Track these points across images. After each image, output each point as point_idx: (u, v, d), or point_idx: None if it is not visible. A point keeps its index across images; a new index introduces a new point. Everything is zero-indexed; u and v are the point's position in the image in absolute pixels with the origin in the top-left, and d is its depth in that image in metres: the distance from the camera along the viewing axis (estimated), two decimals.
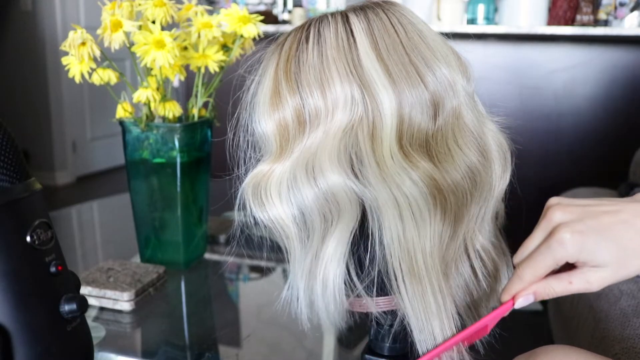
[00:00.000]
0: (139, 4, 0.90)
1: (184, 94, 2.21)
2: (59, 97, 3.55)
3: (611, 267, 0.45)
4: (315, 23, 0.53)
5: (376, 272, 0.52)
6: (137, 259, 1.04)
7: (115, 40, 0.88)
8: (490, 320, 0.51)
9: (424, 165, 0.49)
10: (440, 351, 0.50)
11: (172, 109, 0.95)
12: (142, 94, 0.92)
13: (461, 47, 0.55)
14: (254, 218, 0.54)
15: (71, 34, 0.88)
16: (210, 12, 0.98)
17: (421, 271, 0.49)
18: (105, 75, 0.95)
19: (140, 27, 0.90)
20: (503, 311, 0.50)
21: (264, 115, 0.53)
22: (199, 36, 0.94)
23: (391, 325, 0.56)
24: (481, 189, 0.52)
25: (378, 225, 0.50)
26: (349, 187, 0.49)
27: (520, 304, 0.49)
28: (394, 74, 0.49)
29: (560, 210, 0.47)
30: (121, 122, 0.97)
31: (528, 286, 0.48)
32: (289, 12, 2.89)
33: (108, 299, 0.85)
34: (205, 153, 1.02)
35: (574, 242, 0.45)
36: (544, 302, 1.94)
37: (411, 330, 0.51)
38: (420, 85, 0.49)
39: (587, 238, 0.45)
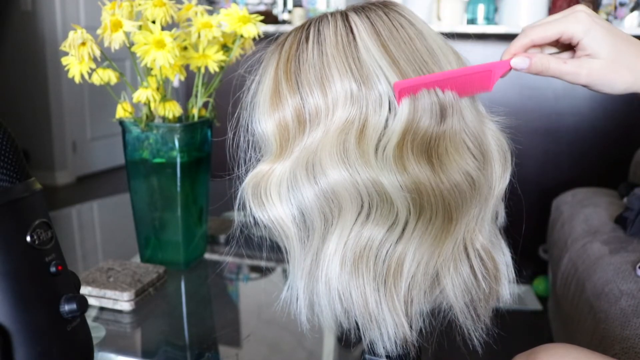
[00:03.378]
0: (139, 4, 0.90)
1: (184, 94, 2.21)
2: (59, 97, 3.55)
3: (605, 61, 0.52)
4: (315, 22, 0.53)
5: None
6: (137, 259, 1.04)
7: (115, 40, 0.88)
8: (490, 68, 0.51)
9: (414, 170, 0.49)
10: (430, 80, 0.48)
11: (172, 109, 0.95)
12: (142, 94, 0.92)
13: (461, 47, 0.55)
14: (254, 218, 0.54)
15: (71, 34, 0.88)
16: (210, 12, 0.98)
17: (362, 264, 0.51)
18: (105, 75, 0.95)
19: (140, 27, 0.90)
20: (502, 65, 0.52)
21: (264, 115, 0.53)
22: (199, 36, 0.94)
23: None
24: (481, 189, 0.52)
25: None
26: (350, 182, 0.49)
27: (516, 63, 0.53)
28: (402, 72, 0.49)
29: (587, 8, 0.53)
30: (121, 122, 0.97)
31: (530, 45, 0.53)
32: (289, 12, 2.89)
33: (108, 299, 0.85)
34: (205, 153, 1.02)
35: (587, 22, 0.51)
36: (544, 302, 1.94)
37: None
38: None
39: (598, 27, 0.52)
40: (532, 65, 0.53)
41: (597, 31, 0.51)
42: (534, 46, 0.55)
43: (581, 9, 0.53)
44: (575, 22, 0.52)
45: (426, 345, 0.57)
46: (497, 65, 0.52)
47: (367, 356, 0.60)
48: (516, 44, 0.54)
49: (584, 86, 0.54)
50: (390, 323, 0.51)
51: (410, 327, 0.53)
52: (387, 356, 0.58)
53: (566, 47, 0.56)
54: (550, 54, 0.56)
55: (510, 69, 0.53)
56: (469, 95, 0.52)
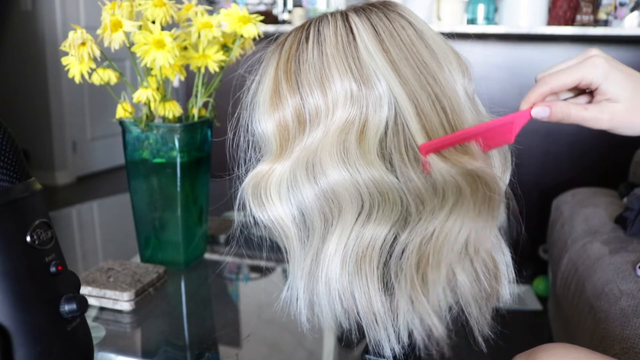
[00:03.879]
0: (139, 4, 0.90)
1: (184, 94, 2.21)
2: (59, 97, 3.55)
3: (624, 104, 0.51)
4: (315, 23, 0.53)
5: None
6: (137, 259, 1.04)
7: (115, 40, 0.88)
8: (512, 120, 0.51)
9: (419, 176, 0.49)
10: (454, 139, 0.48)
11: (172, 109, 0.95)
12: (142, 94, 0.92)
13: (461, 47, 0.55)
14: (254, 218, 0.54)
15: (71, 34, 0.88)
16: (210, 12, 0.98)
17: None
18: (105, 75, 0.95)
19: (140, 27, 0.90)
20: (523, 116, 0.52)
21: (264, 115, 0.53)
22: (199, 36, 0.94)
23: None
24: None
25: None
26: (350, 182, 0.49)
27: (537, 113, 0.52)
28: (402, 72, 0.49)
29: (601, 52, 0.53)
30: (121, 122, 0.97)
31: (549, 94, 0.53)
32: (289, 12, 2.89)
33: (108, 299, 0.85)
34: (205, 153, 1.02)
35: (605, 67, 0.51)
36: (544, 302, 1.94)
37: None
38: (429, 87, 0.50)
39: (615, 70, 0.51)
40: (552, 114, 0.52)
41: (615, 76, 0.51)
42: (552, 93, 0.54)
43: (596, 53, 0.52)
44: (593, 68, 0.51)
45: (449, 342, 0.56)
46: (517, 116, 0.52)
47: (366, 356, 0.60)
48: (535, 93, 0.53)
49: (606, 130, 0.53)
50: (418, 325, 0.50)
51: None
52: (393, 357, 0.58)
53: (581, 90, 0.55)
54: (566, 98, 0.55)
55: (531, 118, 0.53)
56: (491, 149, 0.52)
